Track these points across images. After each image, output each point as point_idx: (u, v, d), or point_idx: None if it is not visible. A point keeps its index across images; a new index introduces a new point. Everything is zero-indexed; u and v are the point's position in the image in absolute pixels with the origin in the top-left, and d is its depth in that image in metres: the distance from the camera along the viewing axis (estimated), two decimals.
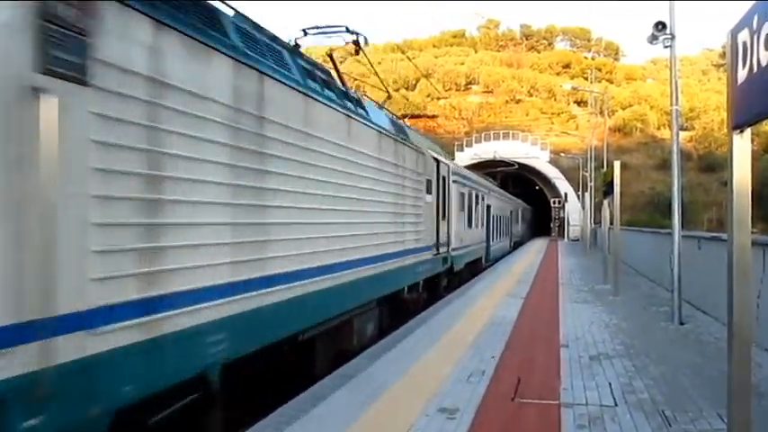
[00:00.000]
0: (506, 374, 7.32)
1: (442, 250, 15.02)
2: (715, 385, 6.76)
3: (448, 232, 15.82)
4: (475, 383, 6.88)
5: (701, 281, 12.28)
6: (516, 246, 42.40)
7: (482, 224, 23.29)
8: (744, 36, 3.91)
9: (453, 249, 16.44)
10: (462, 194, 18.21)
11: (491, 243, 26.68)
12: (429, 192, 13.69)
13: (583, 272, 22.57)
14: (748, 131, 4.15)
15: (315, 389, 6.68)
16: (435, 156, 14.93)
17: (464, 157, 60.64)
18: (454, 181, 16.84)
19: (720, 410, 5.75)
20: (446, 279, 16.28)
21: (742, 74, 3.97)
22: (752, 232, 4.29)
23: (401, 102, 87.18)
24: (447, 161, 16.99)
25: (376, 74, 15.99)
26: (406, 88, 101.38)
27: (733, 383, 4.19)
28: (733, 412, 4.20)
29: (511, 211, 38.86)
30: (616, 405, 6.15)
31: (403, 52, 46.02)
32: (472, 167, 42.36)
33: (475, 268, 21.57)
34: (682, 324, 11.07)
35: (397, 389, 6.64)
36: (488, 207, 25.51)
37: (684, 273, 11.50)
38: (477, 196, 21.55)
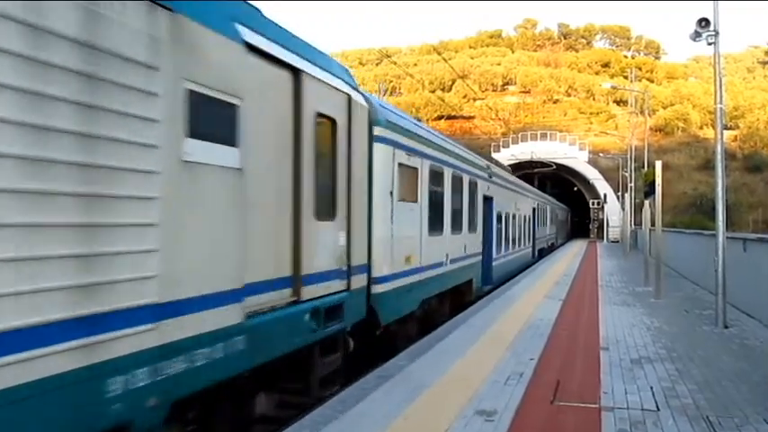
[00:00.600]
0: (545, 377, 7.25)
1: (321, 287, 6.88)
2: (761, 391, 6.60)
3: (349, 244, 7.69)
4: (513, 385, 6.83)
5: (746, 283, 11.97)
6: (544, 253, 34.87)
7: (474, 227, 15.51)
8: None
9: (377, 281, 8.77)
10: (416, 172, 10.67)
11: (495, 256, 18.43)
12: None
13: (623, 274, 22.20)
14: None
15: (354, 388, 6.71)
16: (334, 81, 7.31)
17: (501, 159, 60.16)
18: (388, 141, 9.16)
19: (767, 416, 5.60)
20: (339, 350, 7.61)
21: None
22: None
23: (437, 103, 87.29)
24: (372, 100, 9.17)
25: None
26: (443, 89, 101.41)
27: None
28: None
29: (534, 209, 30.16)
30: (658, 409, 6.03)
31: (439, 53, 45.81)
32: (509, 168, 41.72)
33: (456, 300, 14.01)
34: (726, 328, 10.80)
35: (436, 390, 6.63)
36: (489, 200, 17.51)
37: (729, 275, 11.22)
38: (461, 181, 13.99)
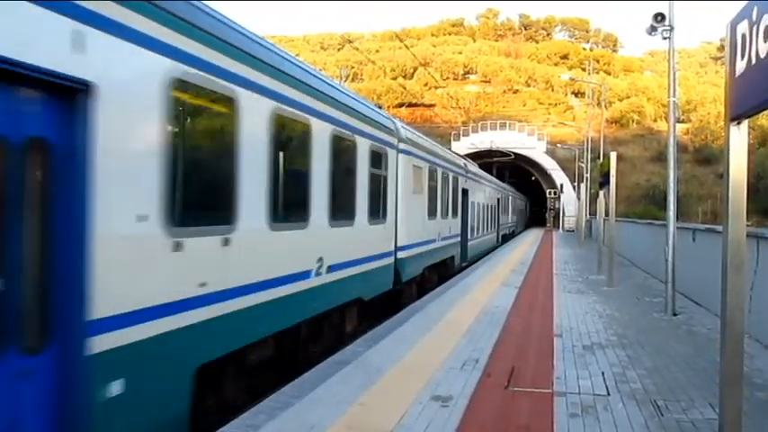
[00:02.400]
0: (500, 363, 7.35)
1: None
2: (707, 375, 6.83)
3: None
4: (469, 371, 6.92)
5: (694, 272, 12.33)
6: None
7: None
8: (743, 28, 3.91)
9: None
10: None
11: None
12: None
13: (577, 262, 22.65)
14: (745, 123, 4.16)
15: (310, 374, 6.70)
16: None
17: (461, 147, 60.61)
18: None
19: (712, 400, 5.79)
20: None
21: (740, 65, 3.98)
22: (746, 224, 4.31)
23: (398, 90, 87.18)
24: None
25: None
26: (404, 77, 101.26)
27: (725, 373, 4.22)
28: (725, 402, 4.23)
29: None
30: (609, 394, 6.19)
31: (401, 40, 45.78)
32: (469, 158, 42.03)
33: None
34: (675, 315, 11.14)
35: (392, 376, 6.67)
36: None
37: (678, 264, 11.56)
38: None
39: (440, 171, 16.22)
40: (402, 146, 12.45)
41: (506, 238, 38.27)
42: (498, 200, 33.56)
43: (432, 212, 15.20)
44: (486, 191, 27.34)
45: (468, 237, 21.60)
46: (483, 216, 25.81)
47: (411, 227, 12.92)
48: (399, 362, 7.26)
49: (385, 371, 6.83)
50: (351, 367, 6.96)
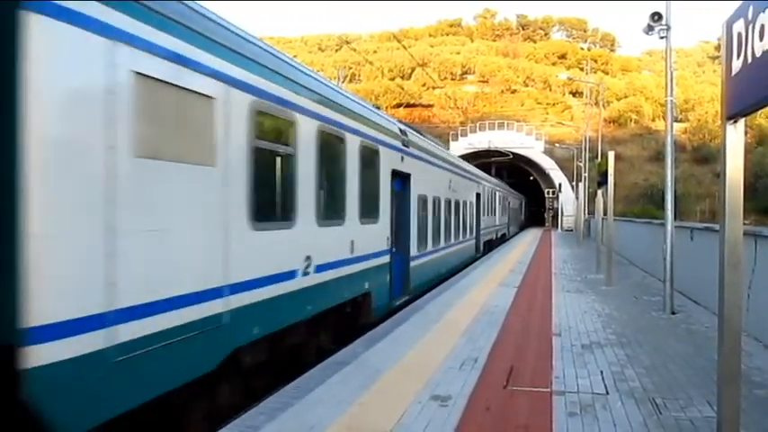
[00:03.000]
0: (499, 363, 7.37)
1: None
2: (705, 374, 6.84)
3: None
4: (468, 371, 6.93)
5: (692, 271, 12.35)
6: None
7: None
8: (739, 26, 3.92)
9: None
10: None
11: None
12: None
13: (576, 262, 22.66)
14: (742, 122, 4.17)
15: (309, 375, 6.71)
16: None
17: (459, 147, 60.67)
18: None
19: (710, 398, 5.81)
20: None
21: (737, 64, 3.99)
22: (744, 223, 4.33)
23: (396, 91, 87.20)
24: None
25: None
26: (402, 77, 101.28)
27: (723, 371, 4.23)
28: (723, 400, 4.24)
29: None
30: (607, 393, 6.20)
31: (399, 41, 45.83)
32: (467, 157, 41.79)
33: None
34: (673, 314, 11.15)
35: (391, 376, 6.68)
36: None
37: (677, 263, 11.58)
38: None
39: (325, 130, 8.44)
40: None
41: (493, 245, 31.33)
42: (478, 195, 25.60)
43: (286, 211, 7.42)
44: (450, 180, 18.52)
45: (413, 253, 13.56)
46: (446, 218, 17.59)
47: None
48: (398, 362, 7.28)
49: (384, 371, 6.84)
50: (350, 368, 6.97)
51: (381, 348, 7.99)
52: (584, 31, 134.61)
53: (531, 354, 7.97)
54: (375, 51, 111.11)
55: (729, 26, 4.10)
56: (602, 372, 7.01)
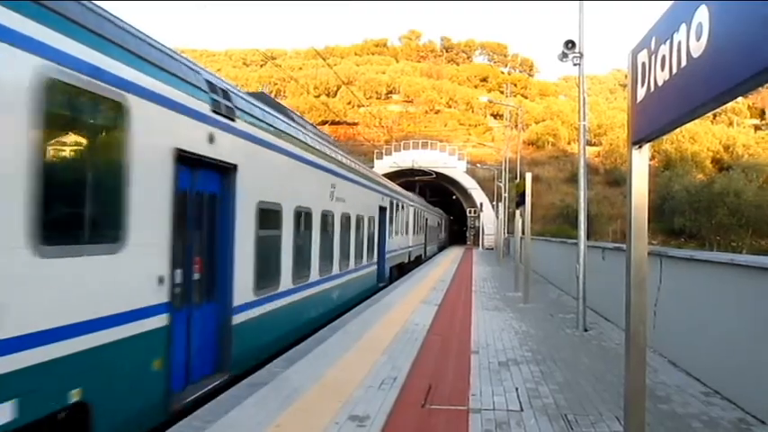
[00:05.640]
0: (418, 381, 7.38)
1: None
2: (614, 390, 7.07)
3: None
4: (387, 390, 6.90)
5: (604, 289, 12.82)
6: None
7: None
8: (643, 56, 4.12)
9: None
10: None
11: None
12: None
13: (495, 280, 23.13)
14: (646, 147, 4.37)
15: (225, 396, 6.51)
16: None
17: (383, 165, 61.10)
18: None
19: (618, 413, 6.00)
20: None
21: (641, 92, 4.18)
22: (651, 243, 4.51)
23: (322, 108, 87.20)
24: None
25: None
26: (327, 95, 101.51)
27: (629, 387, 4.38)
28: (629, 415, 4.38)
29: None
30: (522, 410, 6.31)
31: (324, 59, 45.90)
32: (391, 176, 42.02)
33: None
34: (586, 331, 11.53)
35: (310, 396, 6.56)
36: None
37: (589, 281, 11.99)
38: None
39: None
40: None
41: (404, 269, 26.85)
42: (383, 209, 21.06)
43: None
44: (333, 186, 13.54)
45: (243, 299, 8.19)
46: (324, 239, 12.64)
47: None
48: (318, 381, 7.17)
49: (303, 390, 6.72)
50: (268, 388, 6.81)
51: (301, 367, 7.86)
52: (505, 56, 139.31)
53: (449, 372, 8.03)
54: (300, 68, 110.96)
55: (635, 56, 4.30)
56: (517, 389, 7.14)
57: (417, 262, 32.47)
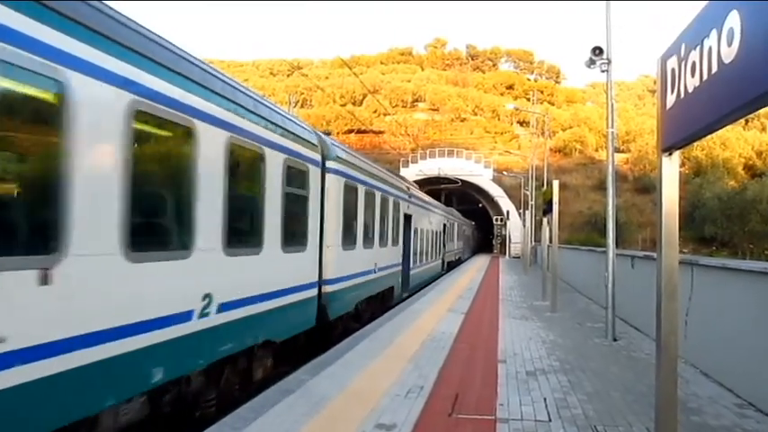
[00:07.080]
0: (445, 390, 7.34)
1: None
2: (645, 400, 6.96)
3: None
4: (413, 399, 6.88)
5: (633, 298, 12.65)
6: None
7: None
8: (672, 63, 4.08)
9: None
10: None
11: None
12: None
13: (522, 288, 22.96)
14: (677, 154, 4.32)
15: (253, 403, 6.55)
16: None
17: (410, 173, 61.17)
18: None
19: (649, 424, 5.90)
20: None
21: (671, 99, 4.14)
22: (682, 252, 4.46)
23: (347, 117, 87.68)
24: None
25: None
26: (353, 104, 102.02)
27: (660, 398, 4.31)
28: (660, 427, 4.31)
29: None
30: (550, 420, 6.24)
31: (350, 68, 46.19)
32: (418, 183, 42.34)
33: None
34: (615, 340, 11.37)
35: (337, 403, 6.57)
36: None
37: (618, 290, 11.84)
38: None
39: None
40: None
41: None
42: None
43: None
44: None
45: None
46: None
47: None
48: (345, 389, 7.17)
49: (330, 398, 6.73)
50: (295, 396, 6.83)
51: (328, 375, 7.87)
52: (531, 63, 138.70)
53: (476, 381, 7.98)
54: (327, 77, 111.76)
55: (664, 62, 4.26)
56: (545, 399, 7.07)
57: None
